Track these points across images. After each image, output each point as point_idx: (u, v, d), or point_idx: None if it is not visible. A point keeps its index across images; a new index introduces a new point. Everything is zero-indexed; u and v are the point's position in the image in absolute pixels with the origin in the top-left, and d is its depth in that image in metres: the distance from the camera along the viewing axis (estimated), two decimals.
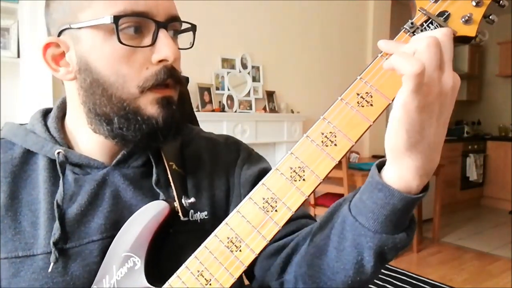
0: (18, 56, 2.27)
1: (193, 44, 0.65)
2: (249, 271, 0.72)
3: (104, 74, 0.57)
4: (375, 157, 4.14)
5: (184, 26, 0.65)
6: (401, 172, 0.48)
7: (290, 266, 0.64)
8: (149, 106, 0.59)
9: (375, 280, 2.64)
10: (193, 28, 0.65)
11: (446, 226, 4.32)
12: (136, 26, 0.57)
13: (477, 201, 5.57)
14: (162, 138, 0.60)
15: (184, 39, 0.66)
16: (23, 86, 2.29)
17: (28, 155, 0.64)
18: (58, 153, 0.61)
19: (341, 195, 3.09)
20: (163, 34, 0.57)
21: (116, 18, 0.55)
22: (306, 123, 3.52)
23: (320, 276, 0.58)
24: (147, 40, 0.58)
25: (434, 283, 2.91)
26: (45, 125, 0.66)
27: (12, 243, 0.58)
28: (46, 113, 0.69)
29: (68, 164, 0.62)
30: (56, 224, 0.58)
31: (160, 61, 0.58)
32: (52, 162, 0.63)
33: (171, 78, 0.59)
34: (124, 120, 0.59)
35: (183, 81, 0.63)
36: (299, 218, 0.70)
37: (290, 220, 0.68)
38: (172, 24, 0.60)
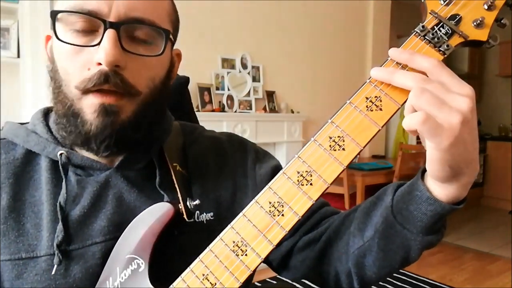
0: (18, 56, 2.27)
1: (163, 51, 0.58)
2: (279, 263, 0.74)
3: (58, 69, 0.58)
4: (375, 157, 4.14)
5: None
6: (450, 191, 0.51)
7: (327, 259, 0.67)
8: (88, 110, 0.56)
9: None
10: (166, 33, 0.59)
11: (446, 226, 4.31)
12: (83, 23, 0.55)
13: (477, 201, 5.57)
14: (95, 147, 0.58)
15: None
16: (23, 86, 2.29)
17: (30, 156, 0.63)
18: (61, 154, 0.61)
19: (341, 195, 3.09)
20: (106, 36, 0.53)
21: (53, 13, 0.55)
22: (306, 123, 3.52)
23: (365, 272, 0.62)
24: (97, 40, 0.55)
25: (434, 283, 2.91)
26: (47, 125, 0.65)
27: (15, 244, 0.57)
28: (47, 112, 0.68)
29: (70, 165, 0.62)
30: (60, 226, 0.57)
31: (99, 63, 0.54)
32: (54, 163, 0.62)
33: (108, 84, 0.54)
34: (65, 120, 0.58)
35: (139, 93, 0.58)
36: (319, 209, 0.73)
37: (313, 212, 0.71)
38: (131, 26, 0.56)
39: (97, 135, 0.56)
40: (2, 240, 0.57)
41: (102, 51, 0.53)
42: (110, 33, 0.54)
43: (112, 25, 0.54)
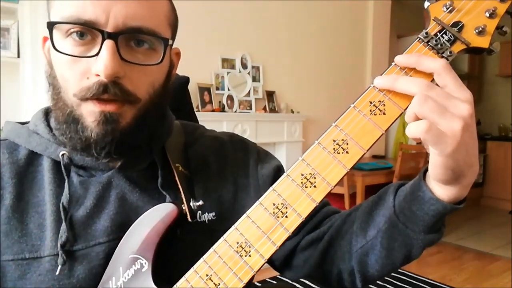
0: (18, 56, 2.27)
1: (161, 60, 0.58)
2: (282, 263, 0.75)
3: (57, 76, 0.57)
4: (375, 157, 4.14)
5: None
6: (452, 192, 0.52)
7: (330, 257, 0.68)
8: (88, 117, 0.56)
9: None
10: (165, 42, 0.58)
11: (446, 226, 4.29)
12: (81, 33, 0.54)
13: (477, 201, 5.58)
14: (96, 154, 0.58)
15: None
16: (23, 86, 2.29)
17: (33, 156, 0.63)
18: (63, 155, 0.61)
19: (341, 195, 3.09)
20: (105, 47, 0.53)
21: (49, 25, 0.55)
22: (306, 123, 3.52)
23: (368, 270, 0.63)
24: (95, 50, 0.54)
25: (434, 283, 2.92)
26: (48, 125, 0.65)
27: (19, 245, 0.57)
28: (48, 112, 0.68)
29: (72, 166, 0.62)
30: (63, 227, 0.57)
31: (98, 75, 0.54)
32: (56, 163, 0.62)
33: (108, 94, 0.54)
34: (65, 126, 0.58)
35: (138, 100, 0.58)
36: (322, 208, 0.74)
37: (315, 212, 0.72)
38: (130, 35, 0.55)
39: (98, 142, 0.56)
40: (5, 240, 0.57)
41: (101, 63, 0.52)
42: (108, 44, 0.53)
43: (110, 35, 0.53)
